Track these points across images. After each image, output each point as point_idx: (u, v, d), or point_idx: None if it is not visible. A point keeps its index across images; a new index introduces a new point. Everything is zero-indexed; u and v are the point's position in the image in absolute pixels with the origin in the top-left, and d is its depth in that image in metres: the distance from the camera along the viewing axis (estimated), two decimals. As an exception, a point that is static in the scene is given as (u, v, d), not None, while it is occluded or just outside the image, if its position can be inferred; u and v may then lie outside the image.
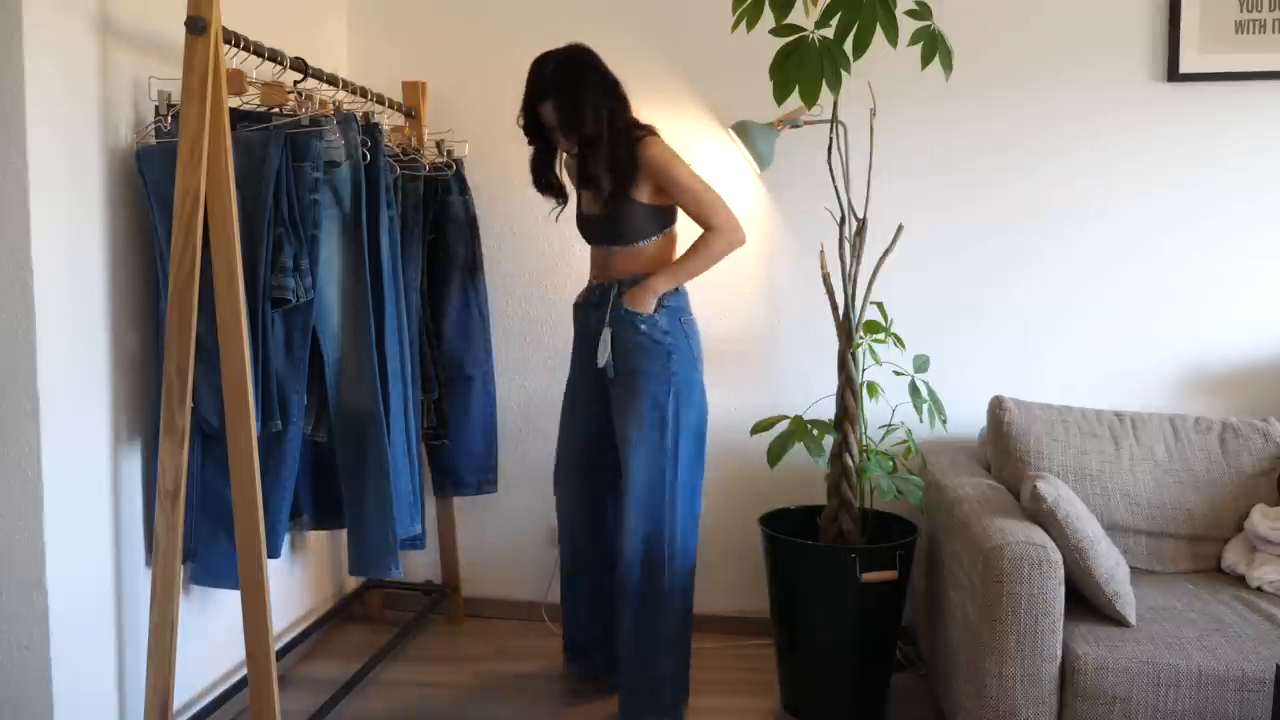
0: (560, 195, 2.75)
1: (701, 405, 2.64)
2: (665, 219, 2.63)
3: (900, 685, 2.82)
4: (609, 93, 2.56)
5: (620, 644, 2.64)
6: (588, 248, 2.78)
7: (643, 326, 2.56)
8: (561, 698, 2.83)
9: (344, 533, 2.64)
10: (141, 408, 2.30)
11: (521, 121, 2.63)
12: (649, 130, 2.60)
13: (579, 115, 2.51)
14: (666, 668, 2.62)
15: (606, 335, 2.58)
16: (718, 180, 3.15)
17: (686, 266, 2.60)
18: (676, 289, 2.62)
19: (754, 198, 3.19)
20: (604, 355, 2.58)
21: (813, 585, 2.63)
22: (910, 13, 2.39)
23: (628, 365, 2.57)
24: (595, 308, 2.66)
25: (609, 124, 2.53)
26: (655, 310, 2.57)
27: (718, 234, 2.58)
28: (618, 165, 2.54)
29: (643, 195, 2.57)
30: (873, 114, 2.67)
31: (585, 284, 2.79)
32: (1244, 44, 2.94)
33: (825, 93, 2.36)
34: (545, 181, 2.72)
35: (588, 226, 2.70)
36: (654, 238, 2.62)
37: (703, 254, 2.59)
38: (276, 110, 2.38)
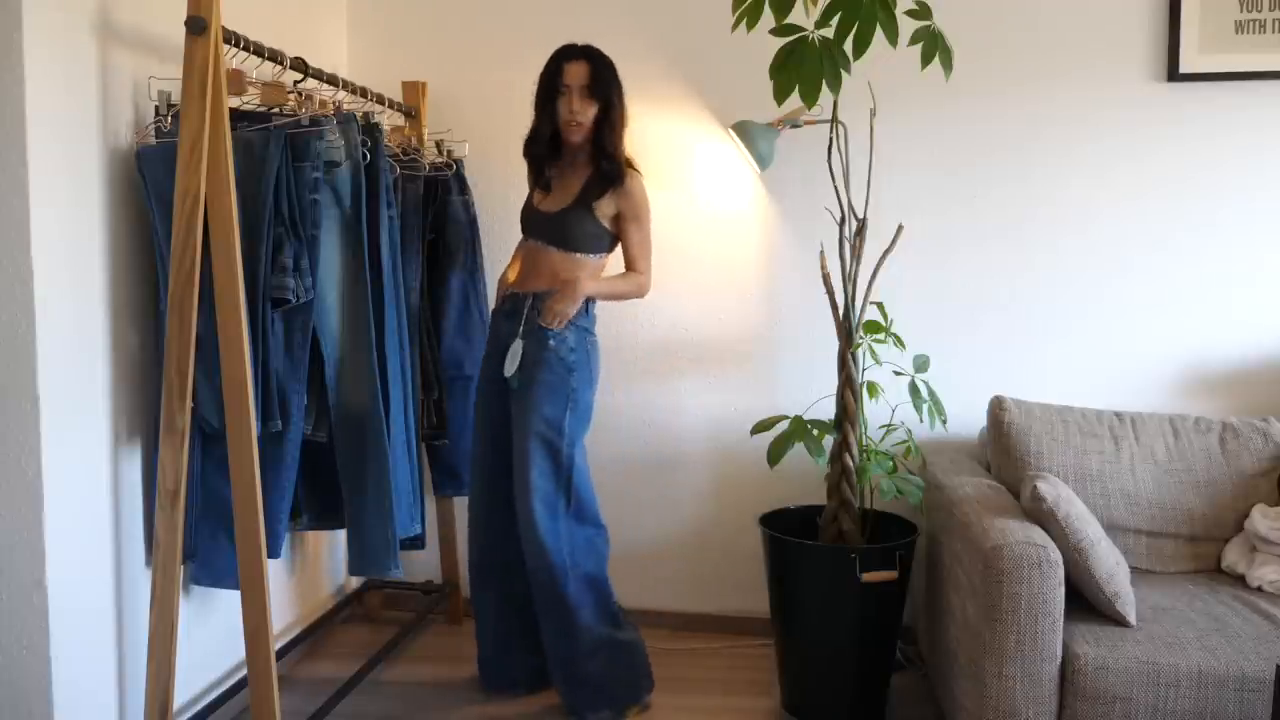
0: (550, 155, 2.69)
1: (588, 421, 2.69)
2: (607, 245, 2.69)
3: (900, 685, 2.82)
4: (625, 106, 2.65)
5: (546, 645, 2.68)
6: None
7: (551, 343, 2.60)
8: (552, 694, 2.82)
9: (344, 533, 2.64)
10: (141, 408, 2.30)
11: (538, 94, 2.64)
12: (634, 165, 2.69)
13: (610, 82, 2.59)
14: (593, 668, 2.65)
15: (517, 347, 2.62)
16: (717, 180, 3.17)
17: (614, 285, 2.72)
18: (588, 310, 2.67)
19: (754, 198, 3.19)
20: (511, 366, 2.62)
21: (813, 585, 2.63)
22: (910, 13, 2.39)
23: (530, 377, 2.61)
24: (508, 318, 2.68)
25: (618, 131, 2.62)
26: (566, 326, 2.61)
27: (643, 276, 2.72)
28: (605, 174, 2.62)
29: (603, 213, 2.64)
30: (873, 114, 2.67)
31: (499, 283, 2.82)
32: (1244, 44, 2.94)
33: (825, 93, 2.36)
34: (541, 146, 2.68)
35: (537, 221, 2.70)
36: (591, 255, 2.66)
37: (630, 283, 2.72)
38: (276, 110, 2.38)
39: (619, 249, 2.72)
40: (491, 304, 3.21)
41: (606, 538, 2.73)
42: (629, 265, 2.71)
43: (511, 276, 2.78)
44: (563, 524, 2.62)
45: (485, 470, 2.75)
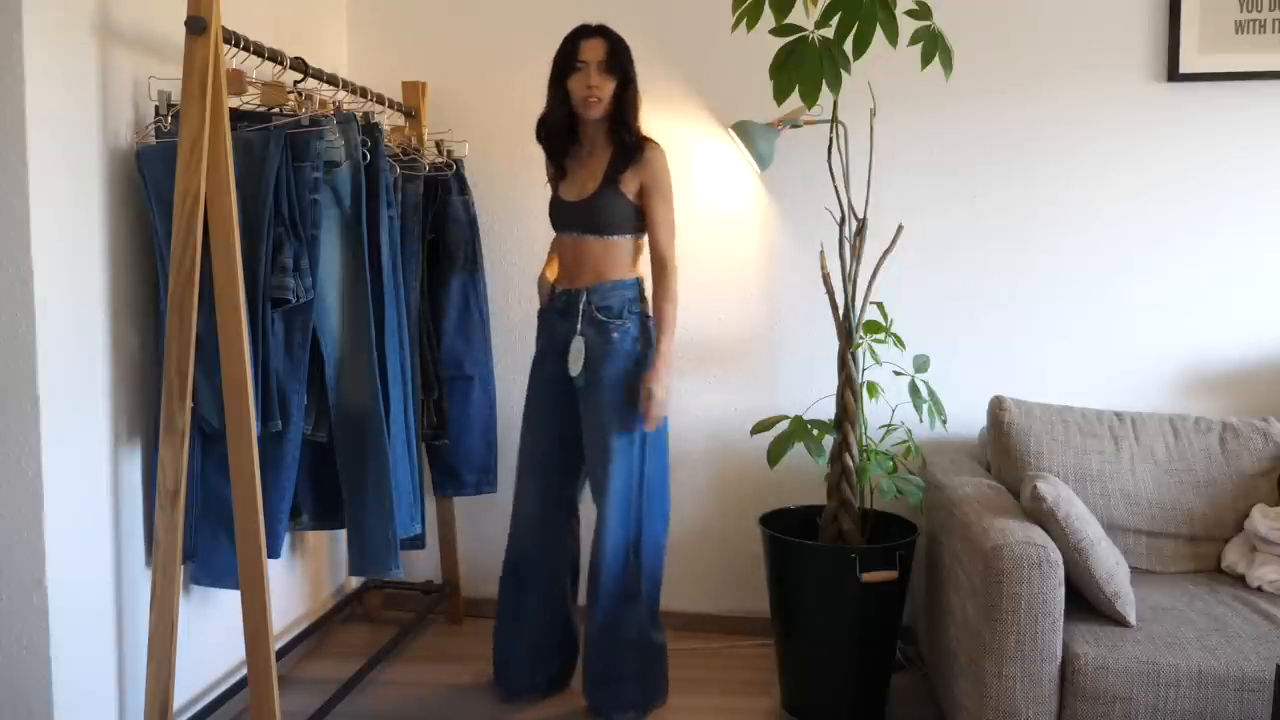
0: (565, 138, 2.65)
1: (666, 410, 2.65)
2: (640, 222, 2.63)
3: (900, 685, 2.82)
4: (636, 81, 2.61)
5: (586, 642, 2.67)
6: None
7: (614, 335, 2.58)
8: (560, 697, 2.82)
9: (344, 533, 2.64)
10: (141, 408, 2.30)
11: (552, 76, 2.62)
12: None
13: (628, 59, 2.57)
14: (628, 668, 2.65)
15: (579, 344, 2.58)
16: (718, 180, 3.16)
17: (671, 318, 2.60)
18: (642, 293, 2.64)
19: (754, 198, 3.19)
20: (576, 365, 2.58)
21: (813, 585, 2.63)
22: (910, 13, 2.39)
23: (597, 373, 2.58)
24: (562, 316, 2.66)
25: (636, 106, 2.59)
26: (625, 316, 2.59)
27: (672, 273, 2.61)
28: (626, 147, 2.57)
29: (628, 189, 2.58)
30: (873, 114, 2.67)
31: (539, 282, 2.80)
32: (1244, 44, 2.94)
33: (825, 93, 2.36)
34: (556, 127, 2.64)
35: (568, 212, 2.66)
36: (628, 235, 2.62)
37: (673, 298, 2.61)
38: (276, 110, 2.38)
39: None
40: (492, 304, 3.23)
41: (667, 533, 2.72)
42: (653, 244, 2.61)
43: (551, 275, 2.77)
44: (635, 518, 2.61)
45: (545, 470, 2.74)
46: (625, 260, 2.63)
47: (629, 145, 2.57)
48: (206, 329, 2.15)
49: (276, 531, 2.33)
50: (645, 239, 2.66)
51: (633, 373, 2.58)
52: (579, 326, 2.59)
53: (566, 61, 2.57)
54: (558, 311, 2.67)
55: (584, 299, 2.60)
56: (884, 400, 2.79)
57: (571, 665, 2.84)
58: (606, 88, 2.54)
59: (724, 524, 3.22)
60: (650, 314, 2.65)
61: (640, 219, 2.62)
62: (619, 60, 2.55)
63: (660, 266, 2.61)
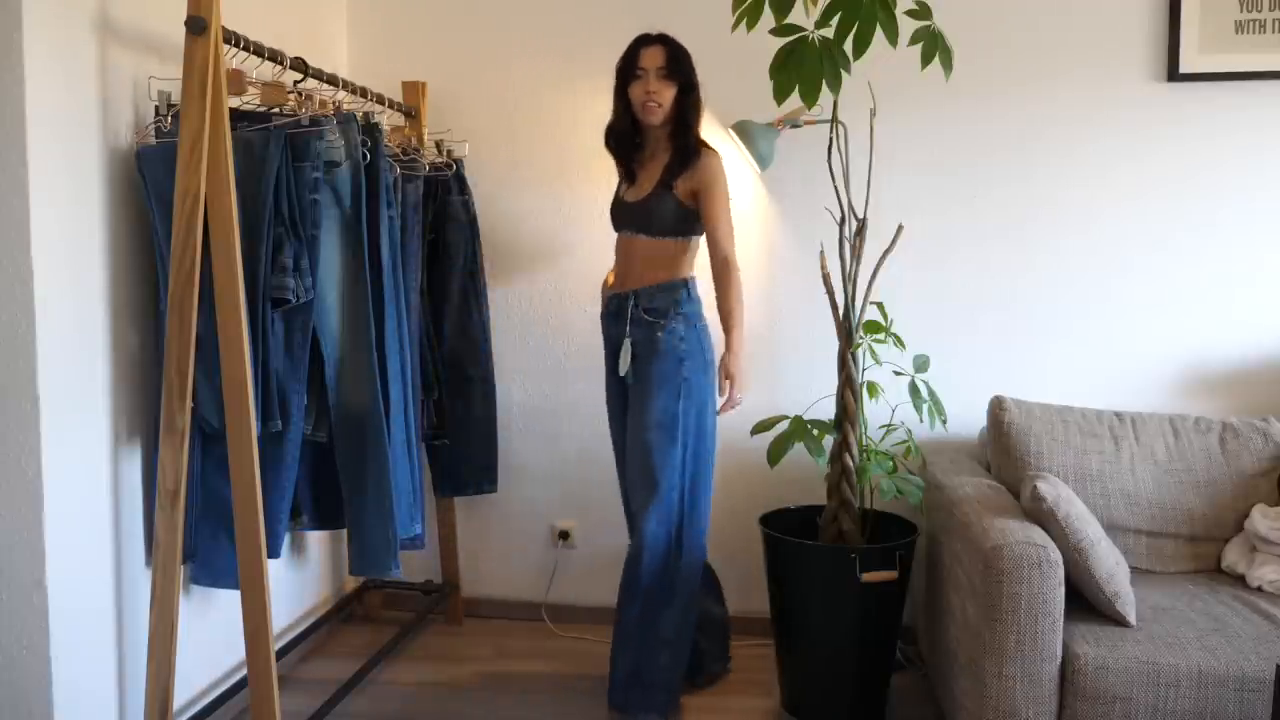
0: (631, 144, 2.72)
1: (712, 406, 2.66)
2: (691, 226, 2.67)
3: (900, 685, 2.82)
4: (699, 88, 2.66)
5: (615, 638, 2.66)
6: (589, 249, 2.79)
7: (660, 335, 2.62)
8: (561, 697, 2.83)
9: (344, 533, 2.64)
10: (141, 408, 2.30)
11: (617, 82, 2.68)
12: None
13: (687, 65, 2.62)
14: (659, 666, 2.64)
15: (627, 345, 2.65)
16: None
17: (739, 316, 2.60)
18: (690, 293, 2.66)
19: (754, 198, 3.19)
20: (624, 365, 2.65)
21: (813, 585, 2.63)
22: (910, 13, 2.39)
23: (643, 372, 2.63)
24: (614, 319, 2.72)
25: (699, 111, 2.65)
26: (671, 316, 2.62)
27: (733, 270, 2.60)
28: (681, 151, 2.63)
29: (682, 192, 2.63)
30: (873, 114, 2.67)
31: (602, 287, 2.85)
32: (1244, 44, 2.94)
33: (825, 93, 2.36)
34: (621, 134, 2.72)
35: (624, 211, 2.73)
36: (678, 238, 2.66)
37: (738, 296, 2.60)
38: (276, 110, 2.38)
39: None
40: (492, 304, 3.23)
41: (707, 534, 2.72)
42: (712, 245, 2.62)
43: (611, 279, 2.82)
44: (675, 516, 2.63)
45: (622, 468, 2.80)
46: (673, 262, 2.67)
47: (686, 149, 2.63)
48: (206, 329, 2.15)
49: (276, 531, 2.34)
50: (694, 242, 2.70)
51: (675, 372, 2.61)
52: (628, 329, 2.64)
53: (628, 69, 2.65)
54: (611, 315, 2.74)
55: (632, 302, 2.65)
56: (884, 400, 2.79)
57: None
58: (666, 94, 2.61)
59: (724, 524, 3.21)
60: (698, 315, 2.67)
61: (691, 222, 2.66)
62: (678, 66, 2.62)
63: (723, 265, 2.61)
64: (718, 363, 2.61)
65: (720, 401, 2.59)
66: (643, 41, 2.65)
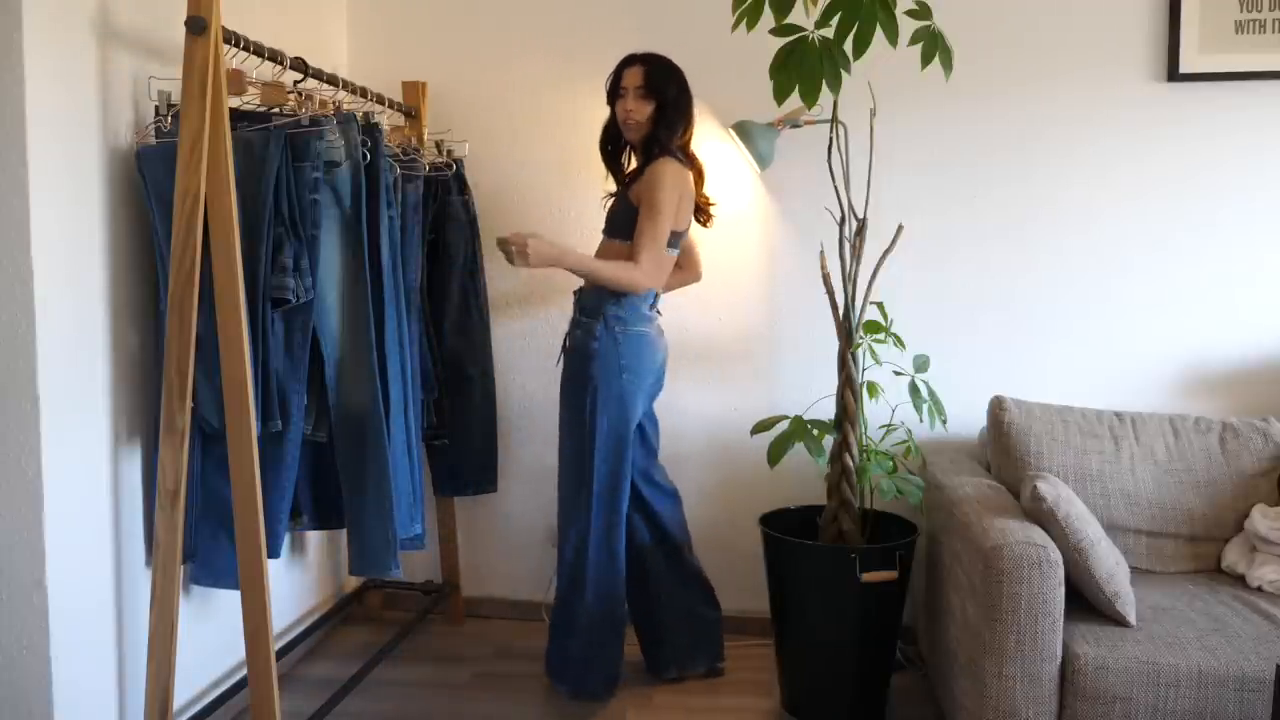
0: (618, 156, 2.87)
1: (619, 414, 2.69)
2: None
3: (900, 685, 2.82)
4: (688, 107, 2.75)
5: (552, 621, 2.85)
6: (589, 249, 2.82)
7: (578, 333, 2.72)
8: (560, 697, 2.83)
9: (344, 533, 2.64)
10: (141, 408, 2.30)
11: (609, 86, 2.78)
12: (674, 153, 2.71)
13: (665, 82, 2.70)
14: (575, 651, 2.77)
15: (565, 343, 2.78)
16: (717, 180, 3.16)
17: (594, 264, 2.68)
18: (620, 299, 2.66)
19: (754, 198, 3.19)
20: (559, 362, 2.80)
21: (813, 585, 2.63)
22: (910, 13, 2.39)
23: (565, 368, 2.76)
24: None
25: (672, 126, 2.71)
26: (597, 317, 2.67)
27: (633, 268, 2.65)
28: (645, 160, 2.74)
29: (633, 197, 2.71)
30: (873, 114, 2.67)
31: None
32: (1244, 44, 2.94)
33: (825, 93, 2.36)
34: (608, 146, 2.86)
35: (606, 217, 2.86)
36: (626, 241, 2.71)
37: (612, 269, 2.66)
38: (276, 110, 2.38)
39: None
40: (492, 304, 3.23)
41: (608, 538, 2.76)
42: (630, 252, 2.69)
43: None
44: (574, 514, 2.73)
45: None
46: (615, 259, 2.72)
47: (648, 159, 2.73)
48: (206, 329, 2.15)
49: (276, 531, 2.33)
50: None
51: (582, 370, 2.68)
52: (570, 326, 2.76)
53: (614, 88, 2.77)
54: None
55: (574, 299, 2.78)
56: (884, 400, 2.79)
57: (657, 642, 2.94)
58: (643, 110, 2.71)
59: (724, 524, 3.22)
60: (629, 322, 2.68)
61: (634, 227, 2.70)
62: (654, 85, 2.70)
63: (625, 259, 2.67)
64: (639, 370, 2.68)
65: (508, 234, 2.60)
66: (626, 62, 2.75)
